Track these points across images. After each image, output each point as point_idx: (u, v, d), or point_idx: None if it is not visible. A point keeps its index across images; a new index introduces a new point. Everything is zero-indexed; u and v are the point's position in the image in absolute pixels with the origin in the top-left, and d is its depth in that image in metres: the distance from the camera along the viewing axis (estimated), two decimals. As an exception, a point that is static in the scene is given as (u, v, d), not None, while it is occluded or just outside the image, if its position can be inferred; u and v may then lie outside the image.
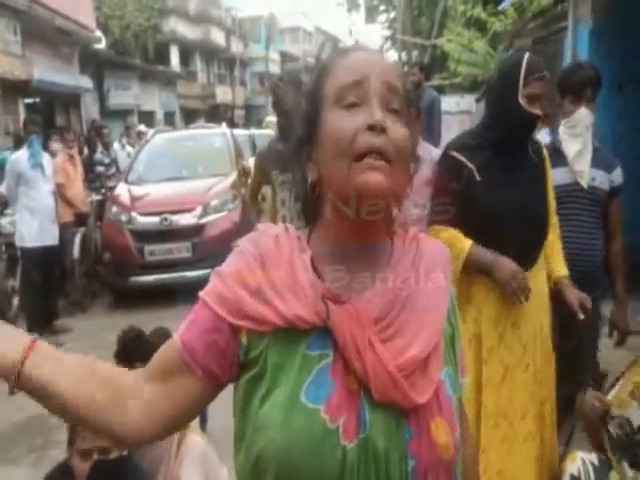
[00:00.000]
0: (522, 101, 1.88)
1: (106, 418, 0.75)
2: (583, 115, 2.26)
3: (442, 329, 0.80)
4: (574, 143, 2.29)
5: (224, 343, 0.76)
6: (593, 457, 1.94)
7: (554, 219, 2.08)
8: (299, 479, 0.72)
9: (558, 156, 2.30)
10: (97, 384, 0.76)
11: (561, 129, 2.35)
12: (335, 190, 0.76)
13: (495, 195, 1.91)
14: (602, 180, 2.30)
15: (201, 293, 0.80)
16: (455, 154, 1.98)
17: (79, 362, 0.77)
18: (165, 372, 0.78)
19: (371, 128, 0.73)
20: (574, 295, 1.98)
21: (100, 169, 6.81)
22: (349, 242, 0.79)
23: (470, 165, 1.93)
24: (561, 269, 2.06)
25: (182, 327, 0.80)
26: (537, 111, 1.89)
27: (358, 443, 0.72)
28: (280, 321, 0.74)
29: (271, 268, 0.77)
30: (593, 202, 2.30)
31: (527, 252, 1.94)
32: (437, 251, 0.86)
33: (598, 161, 2.30)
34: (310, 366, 0.75)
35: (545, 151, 2.05)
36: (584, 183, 2.28)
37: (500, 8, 6.94)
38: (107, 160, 7.17)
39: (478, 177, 1.92)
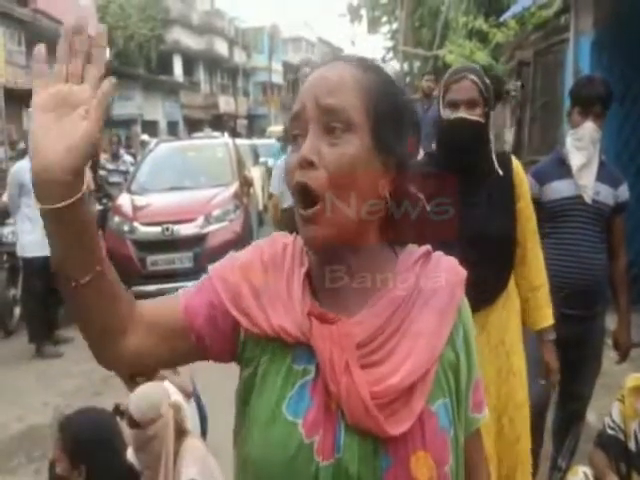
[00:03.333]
0: (444, 112, 1.78)
1: (115, 323, 0.74)
2: (589, 129, 2.26)
3: (436, 357, 0.75)
4: (579, 156, 2.28)
5: (222, 323, 0.77)
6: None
7: (533, 239, 1.89)
8: None
9: (564, 168, 2.29)
10: (128, 306, 0.76)
11: (568, 140, 2.35)
12: None
13: (444, 224, 1.82)
14: (607, 195, 2.29)
15: (211, 267, 0.80)
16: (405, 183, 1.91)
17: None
18: (161, 325, 0.78)
19: (300, 166, 0.72)
20: (551, 362, 1.93)
21: (102, 173, 6.82)
22: (330, 270, 0.78)
23: (419, 194, 1.84)
24: (546, 316, 1.89)
25: (186, 291, 0.80)
26: (459, 114, 1.73)
27: (333, 463, 0.71)
28: (268, 329, 0.75)
29: (272, 275, 0.78)
30: (597, 216, 2.28)
31: (489, 284, 1.75)
32: (448, 269, 0.81)
33: (604, 176, 2.29)
34: (294, 379, 0.74)
35: (517, 163, 1.88)
36: (587, 198, 2.26)
37: (502, 20, 6.97)
38: (111, 166, 7.20)
39: (427, 207, 1.84)
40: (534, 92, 6.19)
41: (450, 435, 0.76)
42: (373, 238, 0.78)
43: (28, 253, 4.85)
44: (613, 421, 1.90)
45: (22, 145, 6.76)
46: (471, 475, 0.84)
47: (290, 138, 0.76)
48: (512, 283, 1.86)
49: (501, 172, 1.81)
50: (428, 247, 0.83)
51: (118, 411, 1.98)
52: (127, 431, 2.00)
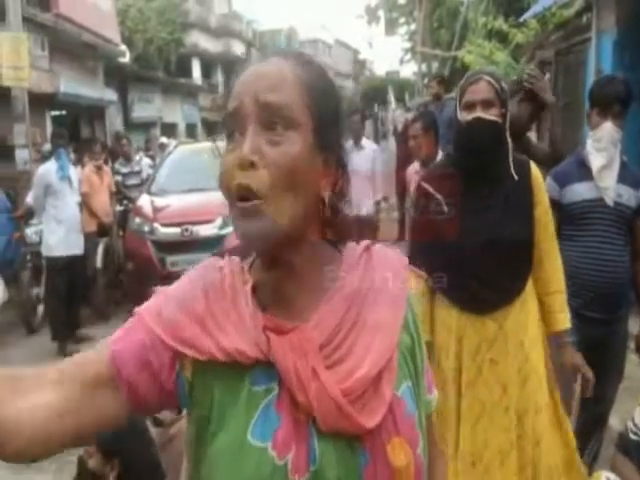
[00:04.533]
0: (461, 114, 1.79)
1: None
2: (608, 130, 2.23)
3: (396, 342, 0.76)
4: (599, 158, 2.26)
5: (158, 366, 0.71)
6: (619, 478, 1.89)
7: (550, 245, 1.89)
8: None
9: (584, 170, 2.27)
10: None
11: (588, 142, 2.33)
12: None
13: (462, 226, 1.80)
14: (628, 197, 2.26)
15: (138, 308, 0.74)
16: (424, 184, 1.90)
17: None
18: (85, 381, 0.69)
19: (239, 166, 0.69)
20: (576, 362, 1.91)
21: (117, 178, 6.91)
22: (276, 273, 0.75)
23: (438, 196, 1.84)
24: (560, 320, 1.89)
25: (115, 336, 0.73)
26: (475, 114, 1.74)
27: (309, 477, 0.69)
28: (220, 354, 0.70)
29: (214, 300, 0.74)
30: (619, 219, 2.26)
31: (504, 286, 1.82)
32: (393, 260, 0.81)
33: (625, 177, 2.27)
34: (256, 402, 0.71)
35: (535, 168, 1.89)
36: (609, 200, 2.24)
37: (522, 19, 6.92)
38: (125, 170, 7.27)
39: (446, 208, 1.83)
40: (555, 93, 6.13)
41: (416, 418, 0.76)
42: (315, 237, 0.76)
43: (53, 253, 4.96)
44: (636, 425, 1.88)
45: (47, 147, 6.88)
46: (430, 451, 0.84)
47: (226, 136, 0.73)
48: (531, 287, 1.87)
49: (516, 177, 1.81)
50: (368, 242, 0.82)
51: None
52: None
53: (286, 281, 0.75)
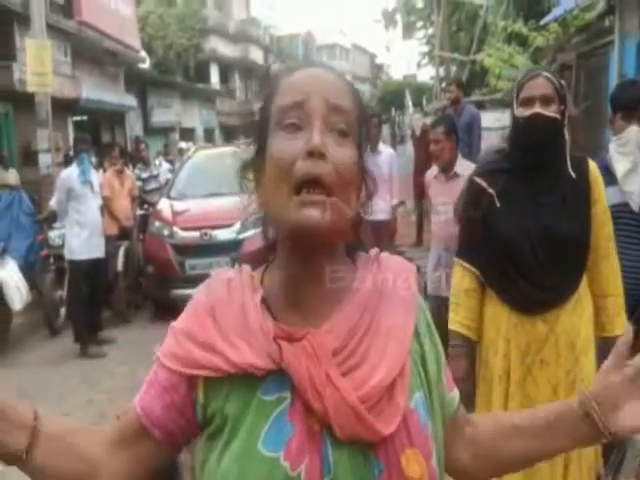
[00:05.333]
0: (517, 110, 1.77)
1: None
2: (634, 133, 2.21)
3: (408, 349, 0.75)
4: (623, 162, 2.23)
5: (180, 401, 0.75)
6: None
7: (607, 246, 1.84)
8: None
9: (608, 174, 2.24)
10: (78, 461, 0.77)
11: (611, 146, 2.30)
12: (275, 221, 0.74)
13: (514, 222, 1.78)
14: None
15: (157, 353, 0.78)
16: (477, 179, 1.89)
17: (66, 447, 0.77)
18: (126, 440, 0.77)
19: (309, 154, 0.68)
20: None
21: (138, 183, 7.00)
22: (301, 273, 0.75)
23: (491, 191, 1.83)
24: (615, 325, 1.82)
25: (141, 390, 0.79)
26: (534, 110, 1.71)
27: None
28: (232, 369, 0.71)
29: (221, 317, 0.74)
30: None
31: (556, 286, 1.78)
32: (401, 267, 0.82)
33: None
34: (267, 412, 0.71)
35: (593, 166, 1.86)
36: (634, 205, 2.21)
37: (543, 23, 6.86)
38: (145, 175, 7.36)
39: (498, 203, 1.81)
40: (577, 96, 6.06)
41: (430, 429, 0.75)
42: (342, 242, 0.78)
43: (75, 256, 5.03)
44: None
45: (69, 152, 7.00)
46: (488, 421, 0.86)
47: (281, 125, 0.72)
48: (586, 288, 1.83)
49: (574, 174, 1.77)
50: (377, 250, 0.83)
51: None
52: None
53: (305, 285, 0.75)
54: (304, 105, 0.72)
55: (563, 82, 1.80)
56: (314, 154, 0.69)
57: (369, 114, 0.91)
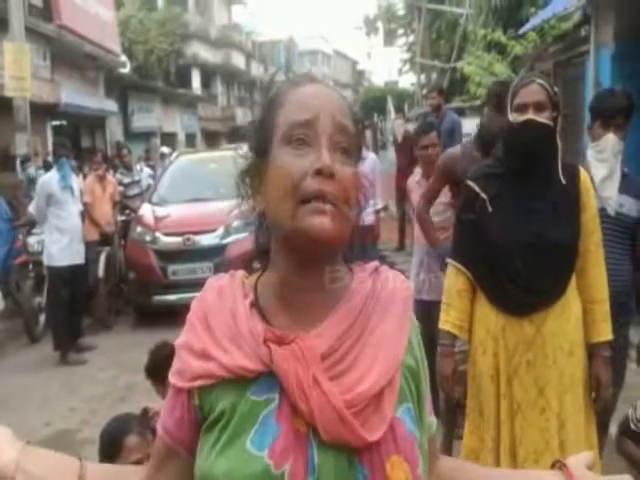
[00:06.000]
0: (512, 116, 1.80)
1: None
2: (610, 141, 2.27)
3: (399, 362, 0.76)
4: (601, 168, 2.29)
5: (187, 412, 0.78)
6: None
7: (595, 252, 1.88)
8: None
9: None
10: None
11: (589, 153, 2.36)
12: (278, 229, 0.76)
13: (505, 227, 1.82)
14: (630, 207, 2.29)
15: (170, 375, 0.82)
16: (471, 184, 1.92)
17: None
18: (158, 463, 0.82)
19: (319, 172, 0.72)
20: (602, 378, 1.87)
21: (119, 188, 6.95)
22: (297, 278, 0.77)
23: (483, 195, 1.87)
24: (601, 331, 1.86)
25: (162, 412, 0.83)
26: (527, 116, 1.75)
27: None
28: (224, 373, 0.74)
29: (214, 324, 0.76)
30: (621, 228, 2.29)
31: (542, 289, 1.82)
32: (396, 283, 0.83)
33: (627, 187, 2.29)
34: (256, 412, 0.73)
35: (584, 173, 1.89)
36: (611, 210, 2.27)
37: (521, 32, 7.00)
38: (127, 180, 7.30)
39: (490, 208, 1.85)
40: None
41: (417, 439, 0.77)
42: (341, 249, 0.80)
43: (55, 262, 4.96)
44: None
45: (49, 157, 6.91)
46: (433, 472, 0.86)
47: (289, 140, 0.75)
48: (574, 293, 1.86)
49: (564, 180, 1.81)
50: (377, 263, 0.85)
51: (146, 415, 2.02)
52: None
53: (300, 290, 0.77)
54: (314, 123, 0.74)
55: (556, 89, 1.83)
56: (324, 173, 0.72)
57: (362, 128, 0.93)
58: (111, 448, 1.73)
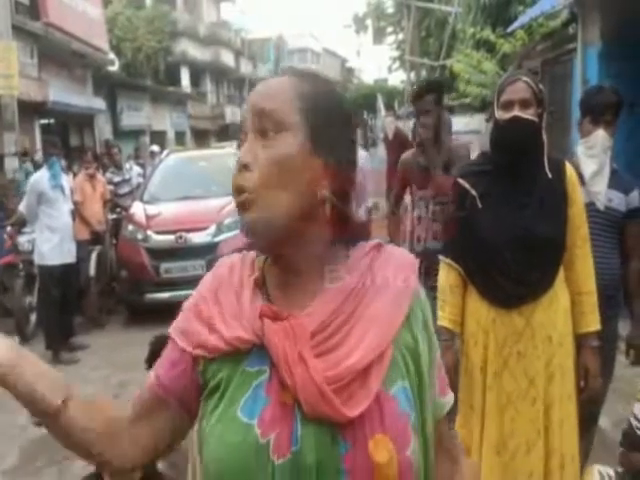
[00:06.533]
0: (498, 113, 1.84)
1: (100, 449, 0.82)
2: (600, 137, 2.31)
3: (392, 338, 0.77)
4: (590, 164, 2.33)
5: (190, 372, 0.81)
6: (610, 470, 1.94)
7: (582, 246, 1.91)
8: None
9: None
10: (102, 425, 0.82)
11: (579, 149, 2.40)
12: None
13: (494, 222, 1.86)
14: (619, 202, 2.33)
15: (169, 329, 0.85)
16: (461, 181, 1.96)
17: (93, 409, 0.83)
18: (145, 408, 0.83)
19: (237, 169, 0.77)
20: (590, 368, 1.91)
21: (110, 187, 6.92)
22: (279, 264, 0.81)
23: (473, 192, 1.90)
24: (588, 322, 1.91)
25: (156, 364, 0.86)
26: (513, 113, 1.78)
27: (290, 458, 0.72)
28: (223, 345, 0.77)
29: (222, 297, 0.81)
30: (609, 223, 2.33)
31: (530, 281, 1.86)
32: (399, 260, 0.83)
33: (616, 183, 2.33)
34: (249, 382, 0.76)
35: (570, 169, 1.93)
36: (600, 205, 2.31)
37: (509, 30, 7.05)
38: (117, 179, 7.26)
39: (480, 204, 1.89)
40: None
41: (411, 419, 0.76)
42: (318, 236, 0.79)
43: (46, 261, 4.93)
44: (638, 420, 1.93)
45: (38, 156, 6.86)
46: (450, 453, 0.88)
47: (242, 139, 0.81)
48: (562, 285, 1.90)
49: (550, 175, 1.85)
50: (379, 241, 0.85)
51: None
52: None
53: (289, 275, 0.80)
54: (243, 123, 0.80)
55: (541, 87, 1.86)
56: (239, 167, 0.76)
57: (333, 102, 0.82)
58: None
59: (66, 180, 5.29)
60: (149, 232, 5.95)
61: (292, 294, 0.79)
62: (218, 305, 0.80)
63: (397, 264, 0.82)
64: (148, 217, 6.12)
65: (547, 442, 1.87)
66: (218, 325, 0.78)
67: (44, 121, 11.38)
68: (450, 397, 0.87)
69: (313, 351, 0.74)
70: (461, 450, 0.93)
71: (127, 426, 0.83)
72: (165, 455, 0.89)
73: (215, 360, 0.79)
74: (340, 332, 0.76)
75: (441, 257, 2.05)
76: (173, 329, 0.85)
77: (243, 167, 0.75)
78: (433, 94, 2.83)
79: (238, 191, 0.75)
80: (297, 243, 0.78)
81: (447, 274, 2.01)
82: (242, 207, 0.76)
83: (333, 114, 0.78)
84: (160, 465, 2.01)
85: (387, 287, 0.79)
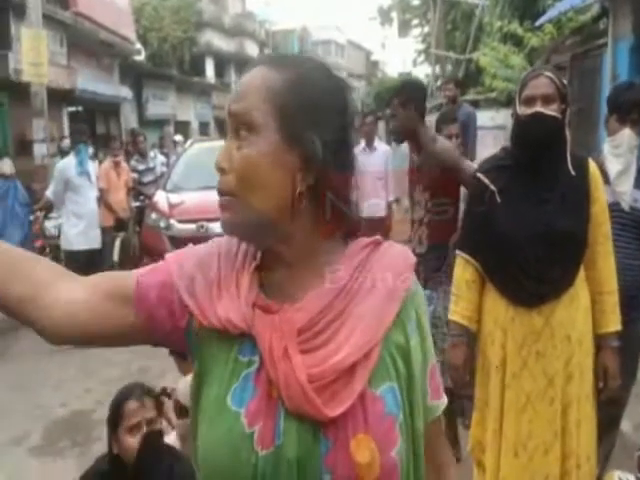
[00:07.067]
0: (520, 108, 1.81)
1: (29, 313, 0.76)
2: (627, 136, 2.26)
3: (380, 338, 0.75)
4: (616, 163, 2.29)
5: (176, 304, 0.79)
6: (631, 476, 1.92)
7: (604, 244, 1.89)
8: (220, 479, 0.74)
9: (601, 174, 2.31)
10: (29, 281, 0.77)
11: (605, 147, 2.36)
12: None
13: (514, 218, 1.83)
14: None
15: (169, 254, 0.83)
16: (480, 175, 1.95)
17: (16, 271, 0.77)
18: (109, 293, 0.79)
19: (217, 172, 0.77)
20: (610, 368, 1.89)
21: (134, 176, 7.02)
22: (269, 259, 0.80)
23: (492, 187, 1.89)
24: (609, 322, 1.89)
25: (142, 269, 0.82)
26: (534, 109, 1.75)
27: (273, 451, 0.72)
28: (215, 321, 0.76)
29: (224, 266, 0.80)
30: (634, 223, 2.29)
31: (551, 279, 1.83)
32: (396, 258, 0.81)
33: None
34: (239, 370, 0.76)
35: (594, 166, 1.90)
36: (625, 205, 2.27)
37: (537, 24, 6.93)
38: (142, 167, 7.36)
39: (499, 199, 1.87)
40: (570, 97, 6.14)
41: (398, 420, 0.75)
42: (304, 230, 0.77)
43: (72, 246, 5.05)
44: None
45: (66, 143, 6.99)
46: (435, 460, 0.86)
47: None
48: (583, 284, 1.88)
49: (573, 172, 1.82)
50: (378, 237, 0.83)
51: (165, 393, 2.08)
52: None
53: (282, 268, 0.79)
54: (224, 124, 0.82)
55: (565, 81, 1.83)
56: (218, 171, 0.76)
57: (310, 88, 0.75)
58: (114, 413, 1.81)
59: (92, 167, 5.39)
60: (172, 220, 6.03)
61: (286, 287, 0.79)
62: (219, 273, 0.79)
63: (393, 262, 0.80)
64: (171, 206, 6.20)
65: (564, 444, 1.85)
66: (215, 296, 0.77)
67: (72, 109, 11.57)
68: (443, 401, 0.85)
69: (300, 347, 0.74)
70: (448, 459, 0.90)
71: (71, 293, 0.77)
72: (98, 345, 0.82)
73: (209, 332, 0.78)
74: (329, 329, 0.75)
75: (458, 252, 2.04)
76: (174, 254, 0.82)
77: (219, 170, 0.76)
78: (396, 98, 2.81)
79: (219, 193, 0.76)
80: (282, 238, 0.77)
81: (463, 269, 1.99)
82: (222, 207, 0.76)
83: (311, 102, 0.75)
84: (172, 437, 2.07)
85: (380, 285, 0.77)
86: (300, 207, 0.75)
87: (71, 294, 0.77)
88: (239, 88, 0.77)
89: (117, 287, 0.80)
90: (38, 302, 0.76)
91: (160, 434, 1.79)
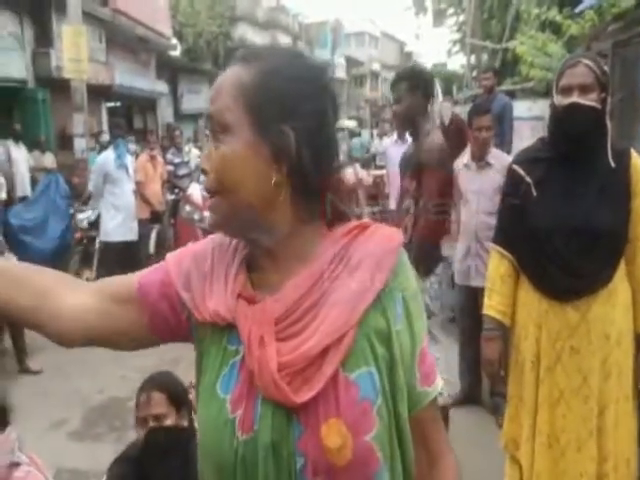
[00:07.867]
0: (557, 98, 1.75)
1: (37, 318, 0.82)
2: None
3: (354, 322, 0.75)
4: None
5: (176, 299, 0.83)
6: None
7: None
8: (210, 463, 0.78)
9: None
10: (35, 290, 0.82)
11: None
12: None
13: (550, 212, 1.79)
14: None
15: (168, 254, 0.88)
16: (516, 167, 1.91)
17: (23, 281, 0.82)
18: (113, 296, 0.84)
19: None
20: None
21: (169, 168, 7.15)
22: (254, 250, 0.83)
23: (528, 179, 1.84)
24: None
25: (142, 272, 0.87)
26: (571, 99, 1.69)
27: (252, 436, 0.74)
28: (207, 315, 0.79)
29: (217, 260, 0.83)
30: None
31: (587, 274, 1.78)
32: (379, 242, 0.79)
33: None
34: (227, 359, 0.79)
35: (636, 158, 1.81)
36: None
37: (577, 11, 6.71)
38: (177, 160, 7.50)
39: (535, 192, 1.83)
40: (612, 86, 5.93)
41: (375, 405, 0.75)
42: (284, 219, 0.78)
43: (110, 238, 5.20)
44: None
45: (105, 137, 7.17)
46: (429, 448, 0.84)
47: None
48: (623, 280, 1.82)
49: (614, 165, 1.75)
50: (365, 221, 0.82)
51: (192, 386, 2.12)
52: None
53: (265, 261, 0.81)
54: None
55: (606, 69, 1.76)
56: (202, 172, 0.81)
57: (283, 81, 0.74)
58: (138, 397, 1.84)
59: (130, 160, 5.53)
60: (205, 213, 6.14)
61: (271, 277, 0.80)
62: (212, 267, 0.83)
63: (377, 244, 0.79)
64: (205, 198, 6.31)
65: (601, 444, 1.80)
66: (207, 290, 0.81)
67: (110, 104, 11.86)
68: (435, 387, 0.82)
69: (277, 335, 0.75)
70: (444, 447, 0.86)
71: (78, 299, 0.82)
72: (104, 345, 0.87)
73: (204, 324, 0.81)
74: (306, 317, 0.76)
75: (492, 245, 2.01)
76: (172, 255, 0.86)
77: (202, 171, 0.81)
78: (405, 82, 2.71)
79: (207, 193, 0.80)
80: (265, 230, 0.78)
81: (498, 263, 1.96)
82: (209, 207, 0.80)
83: (279, 93, 0.75)
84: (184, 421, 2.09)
85: (360, 269, 0.77)
86: (279, 198, 0.76)
87: (77, 299, 0.83)
88: (213, 90, 0.79)
89: (120, 289, 0.85)
90: (44, 310, 0.81)
91: (167, 431, 1.76)
